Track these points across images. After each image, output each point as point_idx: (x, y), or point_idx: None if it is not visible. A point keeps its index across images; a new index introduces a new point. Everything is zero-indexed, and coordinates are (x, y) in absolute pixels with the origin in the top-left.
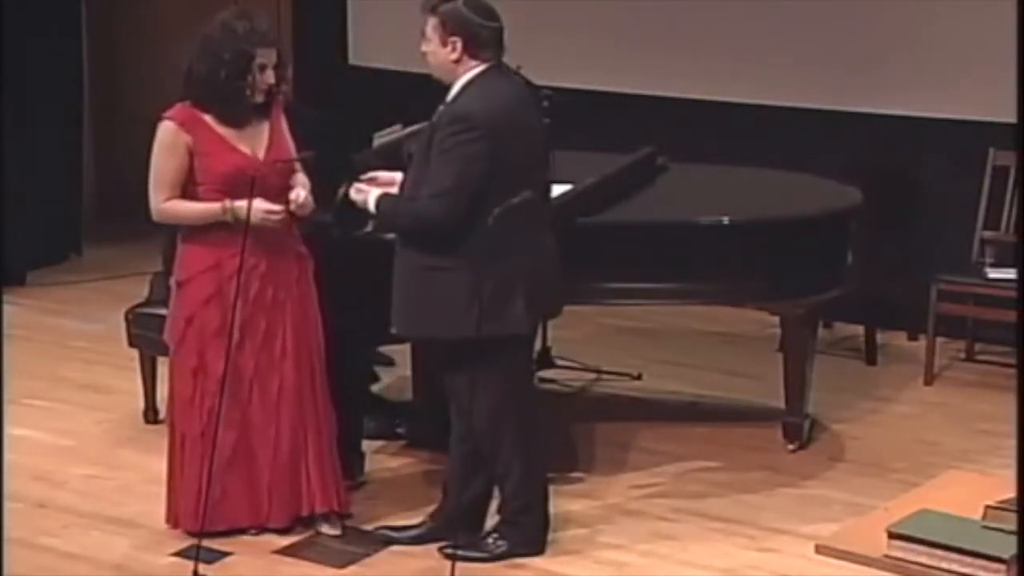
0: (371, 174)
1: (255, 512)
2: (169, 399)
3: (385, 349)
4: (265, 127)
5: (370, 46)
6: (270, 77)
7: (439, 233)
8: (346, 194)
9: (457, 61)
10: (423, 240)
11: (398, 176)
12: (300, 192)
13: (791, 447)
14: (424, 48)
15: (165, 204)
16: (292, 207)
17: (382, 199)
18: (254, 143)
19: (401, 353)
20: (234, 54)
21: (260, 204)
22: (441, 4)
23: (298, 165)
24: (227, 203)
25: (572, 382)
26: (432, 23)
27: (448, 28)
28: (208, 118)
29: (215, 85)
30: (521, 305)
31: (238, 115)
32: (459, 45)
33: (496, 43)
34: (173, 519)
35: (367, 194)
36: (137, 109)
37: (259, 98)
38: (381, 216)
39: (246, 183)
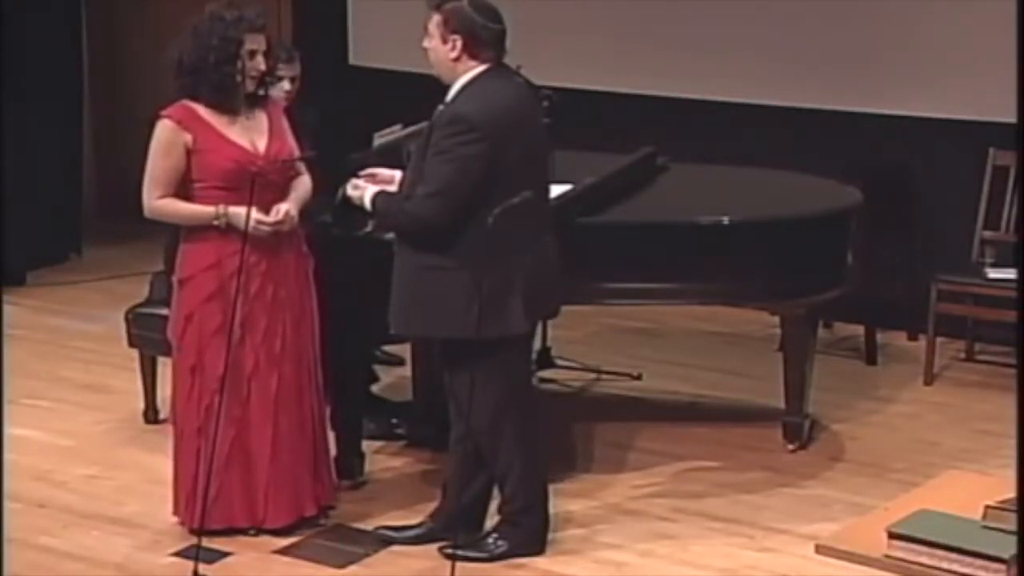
0: (371, 170)
1: (251, 511)
2: (171, 395)
3: (391, 349)
4: (264, 121)
5: (370, 46)
6: (260, 63)
7: (431, 233)
8: (345, 193)
9: (457, 60)
10: (419, 239)
11: (398, 174)
12: (282, 207)
13: (791, 447)
14: (425, 44)
15: (158, 202)
16: (271, 219)
17: (378, 196)
18: (253, 137)
19: (401, 353)
20: (222, 40)
21: (253, 213)
22: (445, 2)
23: (302, 165)
24: (221, 208)
25: (572, 382)
26: (435, 20)
27: (450, 26)
28: (205, 113)
29: (205, 72)
30: (519, 305)
31: (230, 102)
32: (459, 44)
33: (497, 45)
34: (178, 510)
35: (364, 191)
36: (137, 109)
37: (251, 85)
38: (376, 213)
39: (246, 179)
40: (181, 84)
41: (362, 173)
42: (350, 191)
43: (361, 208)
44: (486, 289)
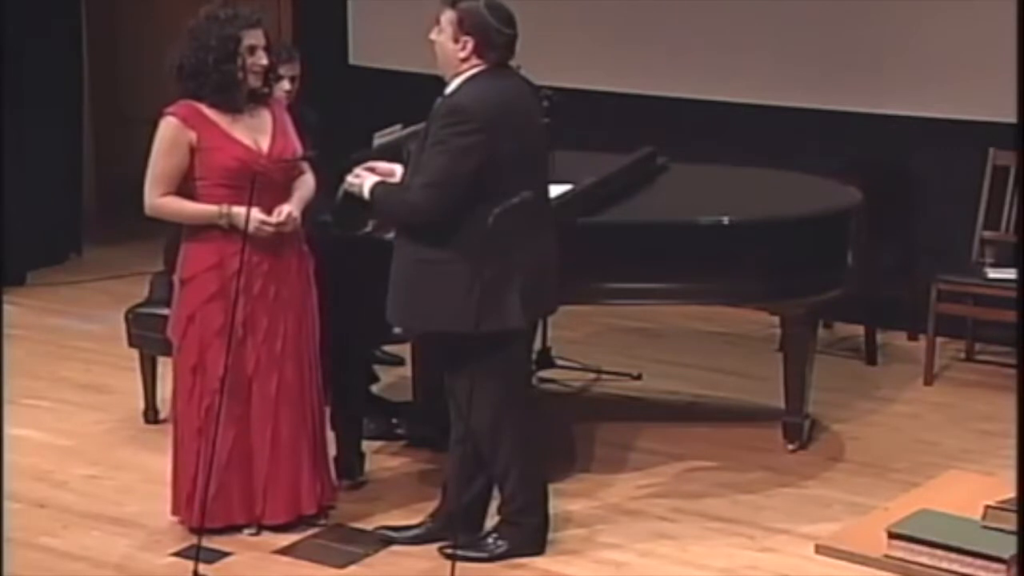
0: (370, 164)
1: (250, 509)
2: (172, 395)
3: (391, 348)
4: (268, 120)
5: (370, 46)
6: (262, 58)
7: (429, 223)
8: (346, 193)
9: (464, 59)
10: (417, 232)
11: (397, 168)
12: (284, 208)
13: (791, 447)
14: (433, 36)
15: (160, 200)
16: (273, 220)
17: (377, 186)
18: (257, 136)
19: (401, 353)
20: (220, 39)
21: (255, 214)
22: (462, 0)
23: (305, 165)
24: (224, 208)
25: (572, 382)
26: (449, 16)
27: (464, 26)
28: (209, 112)
29: (206, 73)
30: (516, 300)
31: (233, 100)
32: (470, 45)
33: (506, 49)
34: (177, 509)
35: (363, 179)
36: (137, 109)
37: (254, 81)
38: (374, 203)
39: (249, 177)
40: (183, 88)
41: (361, 165)
42: (350, 180)
43: (360, 202)
44: (484, 283)
